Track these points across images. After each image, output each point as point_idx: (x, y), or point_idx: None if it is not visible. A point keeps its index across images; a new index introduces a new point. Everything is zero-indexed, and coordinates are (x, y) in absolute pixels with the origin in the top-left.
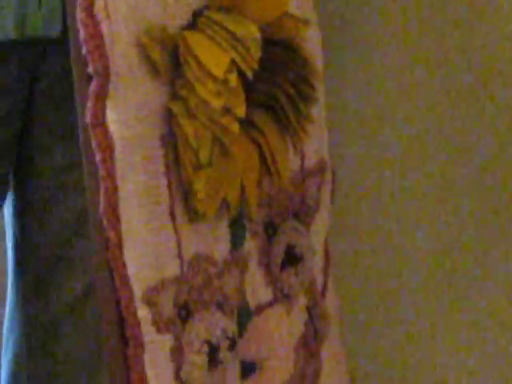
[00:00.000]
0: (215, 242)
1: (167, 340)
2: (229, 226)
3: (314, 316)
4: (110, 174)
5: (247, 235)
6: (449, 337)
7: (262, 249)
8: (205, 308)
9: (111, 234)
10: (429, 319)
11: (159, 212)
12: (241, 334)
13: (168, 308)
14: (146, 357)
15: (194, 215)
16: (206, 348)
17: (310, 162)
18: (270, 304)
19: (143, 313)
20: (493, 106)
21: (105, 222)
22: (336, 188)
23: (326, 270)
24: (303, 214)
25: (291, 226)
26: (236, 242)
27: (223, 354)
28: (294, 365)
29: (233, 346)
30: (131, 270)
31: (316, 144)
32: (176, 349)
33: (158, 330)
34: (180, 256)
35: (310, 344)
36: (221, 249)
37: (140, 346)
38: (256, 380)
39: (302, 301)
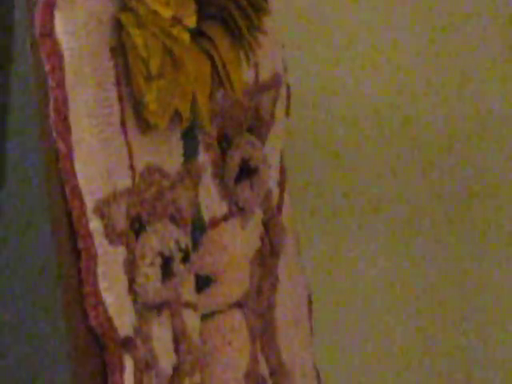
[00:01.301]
0: (168, 154)
1: (120, 252)
2: (181, 138)
3: (270, 230)
4: (59, 85)
5: (200, 148)
6: None
7: (216, 162)
8: (158, 220)
9: (61, 145)
10: None
11: (110, 123)
12: (195, 248)
13: (121, 220)
14: (99, 269)
15: (145, 127)
16: (158, 260)
17: (265, 75)
18: (225, 218)
19: (95, 224)
20: None
21: (54, 133)
22: (290, 103)
23: (281, 184)
24: (258, 128)
25: (246, 140)
26: (189, 154)
27: (177, 266)
28: (250, 279)
29: (186, 258)
30: (82, 182)
31: (270, 57)
32: (129, 261)
33: (111, 242)
34: (132, 167)
35: (266, 258)
36: (173, 161)
37: (92, 258)
38: (211, 293)
39: (258, 214)
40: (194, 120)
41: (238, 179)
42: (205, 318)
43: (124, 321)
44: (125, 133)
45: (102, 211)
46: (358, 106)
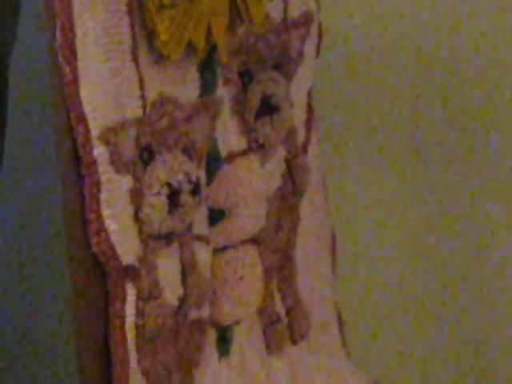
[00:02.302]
0: (183, 85)
1: (126, 181)
2: (198, 71)
3: (294, 169)
4: (66, 11)
5: (219, 82)
6: None
7: (237, 97)
8: (168, 151)
9: (66, 70)
10: None
11: (120, 51)
12: (210, 181)
13: (128, 149)
14: (102, 196)
15: (158, 57)
16: (165, 190)
17: (295, 13)
18: (244, 153)
19: (100, 151)
20: None
21: (60, 58)
22: (322, 43)
23: (308, 124)
24: (285, 65)
25: (269, 76)
26: (206, 87)
27: (184, 198)
28: (268, 217)
29: (196, 190)
30: (88, 108)
31: None
32: (136, 190)
33: (117, 171)
34: (143, 97)
35: (287, 197)
36: (189, 93)
37: (95, 184)
38: (224, 228)
39: (280, 153)
40: (212, 53)
41: (259, 115)
42: (216, 252)
43: (127, 249)
44: (136, 62)
45: (107, 139)
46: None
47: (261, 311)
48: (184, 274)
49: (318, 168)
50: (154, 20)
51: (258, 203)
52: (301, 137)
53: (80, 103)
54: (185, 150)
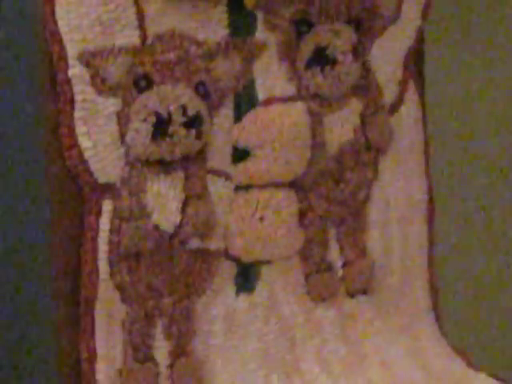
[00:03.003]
0: (204, 24)
1: (111, 104)
2: (227, 12)
3: (368, 125)
4: None
5: (260, 26)
6: None
7: (287, 44)
8: (172, 82)
9: None
10: None
11: None
12: (238, 120)
13: (115, 74)
14: (77, 114)
15: None
16: (152, 118)
17: None
18: (290, 99)
19: (76, 71)
20: None
21: None
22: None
23: (403, 84)
24: (367, 22)
25: (330, 28)
26: (236, 28)
27: (174, 129)
28: (323, 165)
29: (191, 124)
30: (64, 29)
31: None
32: (124, 114)
33: (99, 93)
34: (141, 27)
35: (359, 152)
36: (212, 31)
37: (69, 102)
38: (247, 166)
39: (354, 107)
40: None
41: (309, 64)
42: (239, 190)
43: (106, 168)
44: None
45: (88, 61)
46: None
47: (304, 257)
48: (186, 204)
49: (413, 130)
50: None
51: (289, 149)
52: (390, 95)
53: (55, 23)
54: (198, 85)
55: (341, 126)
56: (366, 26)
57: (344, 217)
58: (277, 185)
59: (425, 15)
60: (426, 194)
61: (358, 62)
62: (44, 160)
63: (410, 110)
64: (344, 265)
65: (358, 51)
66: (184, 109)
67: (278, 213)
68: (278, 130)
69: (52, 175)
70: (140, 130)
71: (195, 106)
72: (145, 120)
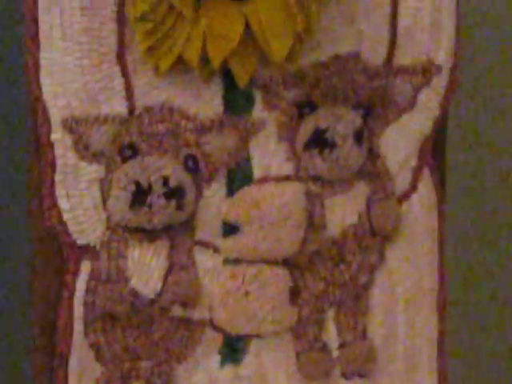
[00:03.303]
0: (198, 99)
1: (94, 170)
2: (223, 89)
3: (374, 210)
4: (31, 7)
5: (258, 105)
6: None
7: (287, 125)
8: (159, 154)
9: (28, 57)
10: None
11: (100, 52)
12: (231, 195)
13: (99, 142)
14: (58, 177)
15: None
16: (132, 187)
17: (404, 59)
18: (286, 178)
19: (58, 136)
20: None
21: (25, 48)
22: (451, 95)
23: (417, 171)
24: (378, 107)
25: (332, 112)
26: (232, 106)
27: (153, 199)
28: (318, 247)
29: (172, 195)
30: (49, 95)
31: (425, 41)
32: (106, 181)
33: (82, 158)
34: (130, 99)
35: (364, 237)
36: (206, 107)
37: (49, 165)
38: (236, 241)
39: (360, 191)
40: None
41: (308, 146)
42: (227, 263)
43: (84, 230)
44: (122, 66)
45: (72, 127)
46: None
47: (297, 335)
48: (169, 272)
49: (425, 218)
50: (133, 29)
51: (279, 228)
52: (402, 183)
53: (39, 89)
54: (188, 158)
55: (344, 210)
56: (376, 112)
57: (343, 299)
58: (268, 261)
59: (444, 106)
60: (436, 283)
61: (361, 148)
62: (28, 218)
63: (422, 197)
64: (340, 346)
65: (362, 137)
66: (165, 180)
67: (265, 289)
68: (268, 208)
69: (35, 233)
70: (119, 197)
71: (178, 177)
72: (124, 188)
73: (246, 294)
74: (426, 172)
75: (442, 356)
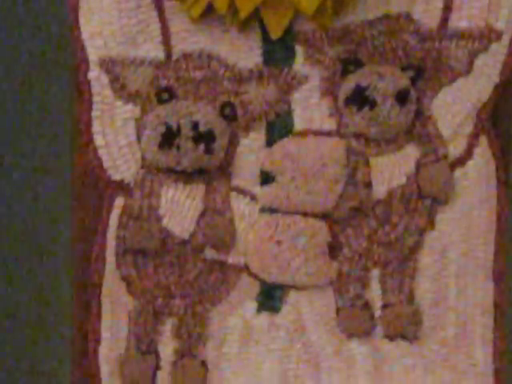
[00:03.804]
0: (236, 48)
1: (130, 110)
2: (262, 40)
3: (422, 173)
4: None
5: (300, 59)
6: None
7: (330, 80)
8: (195, 99)
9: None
10: None
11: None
12: (270, 145)
13: (136, 83)
14: (94, 113)
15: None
16: (162, 128)
17: (461, 23)
18: (328, 134)
19: (96, 75)
20: None
21: None
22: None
23: (472, 138)
24: (435, 72)
25: (376, 71)
26: (271, 58)
27: (181, 141)
28: (364, 205)
29: (201, 138)
30: (86, 35)
31: (485, 6)
32: (142, 121)
33: (119, 98)
34: (167, 44)
35: (410, 198)
36: (245, 57)
37: (87, 101)
38: (271, 190)
39: (409, 152)
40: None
41: (348, 103)
42: (263, 211)
43: (118, 167)
44: (159, 10)
45: (108, 68)
46: None
47: (338, 290)
48: (203, 215)
49: (482, 187)
50: None
51: (313, 182)
52: (457, 148)
53: (78, 28)
54: (225, 106)
55: (391, 170)
56: (428, 75)
57: (389, 260)
58: (305, 213)
59: (504, 73)
60: (492, 253)
61: (405, 108)
62: (68, 153)
63: (478, 165)
64: (384, 306)
65: (407, 97)
66: (195, 124)
67: (298, 239)
68: (302, 160)
69: (75, 168)
70: (150, 137)
71: (209, 123)
72: (155, 129)
73: (278, 242)
74: (484, 140)
75: (501, 329)
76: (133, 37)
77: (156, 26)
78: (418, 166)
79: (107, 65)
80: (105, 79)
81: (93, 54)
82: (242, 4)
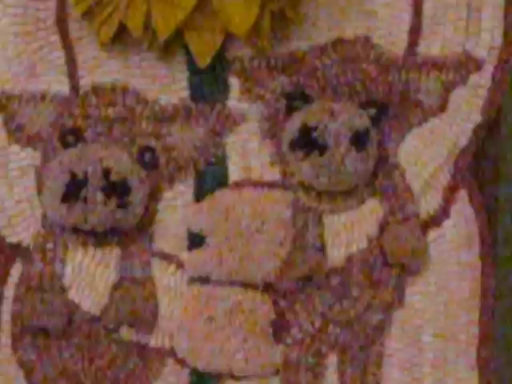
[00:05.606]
0: (157, 80)
1: (29, 156)
2: (188, 70)
3: (387, 234)
4: None
5: (233, 92)
6: None
7: (272, 118)
8: (107, 143)
9: None
10: None
11: (39, 20)
12: (198, 200)
13: (35, 124)
14: None
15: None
16: (66, 177)
17: (433, 49)
18: (271, 185)
19: None
20: None
21: None
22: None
23: (449, 192)
24: (401, 108)
25: (327, 106)
26: (199, 91)
27: (90, 194)
28: (312, 269)
29: (113, 192)
30: None
31: (460, 30)
32: (44, 170)
33: (14, 140)
34: (72, 75)
35: (373, 267)
36: (168, 91)
37: None
38: (201, 255)
39: (370, 209)
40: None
41: (293, 146)
42: (193, 281)
43: (14, 226)
44: (63, 35)
45: (2, 104)
46: None
47: (287, 381)
48: (116, 286)
49: (462, 251)
50: None
51: (251, 244)
52: (430, 204)
53: None
54: (144, 151)
55: (349, 232)
56: (393, 113)
57: (348, 344)
58: (242, 284)
59: (488, 111)
60: (476, 337)
61: (364, 154)
62: None
63: (457, 226)
64: None
65: (366, 140)
66: (106, 172)
67: (234, 317)
68: (237, 217)
69: None
70: (51, 189)
71: (123, 171)
72: (58, 178)
73: (210, 319)
74: (463, 194)
75: None
76: (32, 66)
77: (59, 54)
78: (382, 226)
79: (0, 101)
80: None
81: None
82: (161, 24)
